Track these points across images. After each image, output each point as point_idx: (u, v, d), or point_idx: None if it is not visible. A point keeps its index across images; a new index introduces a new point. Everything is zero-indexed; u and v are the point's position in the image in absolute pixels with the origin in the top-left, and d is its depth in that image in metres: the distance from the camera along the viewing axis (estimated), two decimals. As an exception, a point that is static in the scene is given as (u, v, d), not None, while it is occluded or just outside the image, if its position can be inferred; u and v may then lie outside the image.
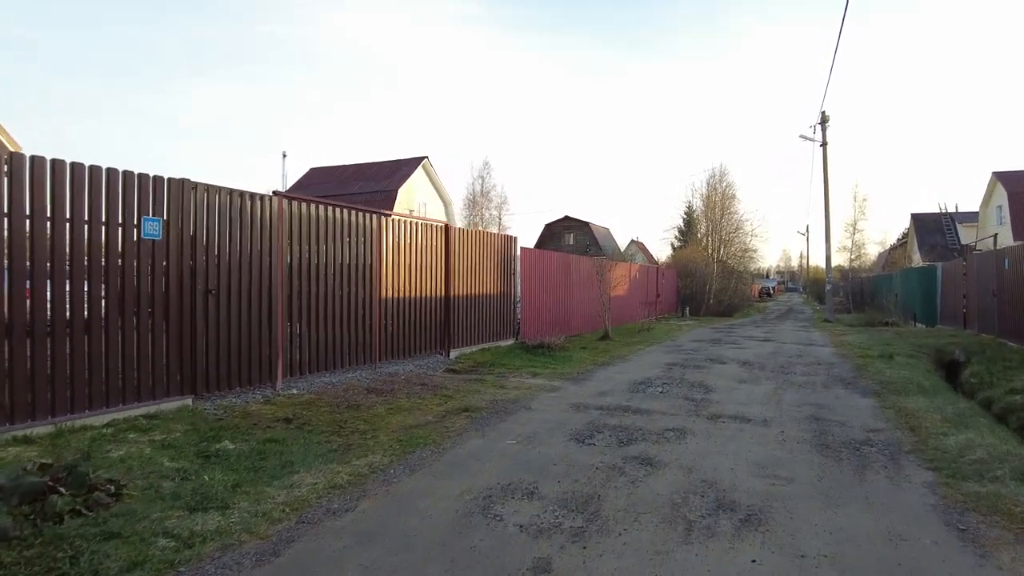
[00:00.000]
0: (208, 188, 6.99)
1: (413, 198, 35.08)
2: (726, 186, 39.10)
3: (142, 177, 6.30)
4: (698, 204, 42.14)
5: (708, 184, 39.69)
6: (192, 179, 6.82)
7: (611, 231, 63.13)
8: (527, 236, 61.17)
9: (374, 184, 34.98)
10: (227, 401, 7.09)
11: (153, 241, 6.40)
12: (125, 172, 6.15)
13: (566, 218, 57.05)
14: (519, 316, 14.26)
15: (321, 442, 5.67)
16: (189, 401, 6.71)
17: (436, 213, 37.06)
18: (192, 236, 6.80)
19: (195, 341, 6.81)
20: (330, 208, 8.72)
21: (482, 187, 49.54)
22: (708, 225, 39.84)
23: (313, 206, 8.46)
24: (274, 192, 7.87)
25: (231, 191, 7.24)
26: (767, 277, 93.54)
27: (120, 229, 6.09)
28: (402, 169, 36.52)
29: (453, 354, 11.48)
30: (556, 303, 15.88)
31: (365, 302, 9.42)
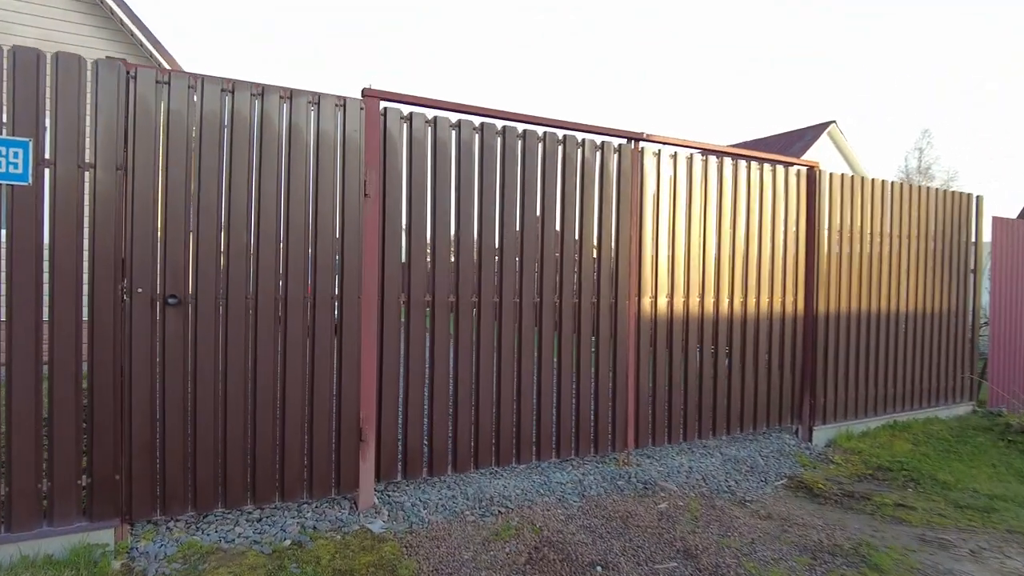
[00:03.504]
0: (172, 76, 3.19)
1: (814, 171, 27.21)
2: None
3: (-28, 44, 2.82)
4: None
5: None
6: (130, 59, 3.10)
7: None
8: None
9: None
10: (216, 534, 3.24)
11: (5, 188, 2.88)
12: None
13: (1064, 190, 39.19)
14: (983, 355, 7.21)
15: None
16: (109, 533, 3.05)
17: (848, 189, 28.22)
18: (124, 179, 3.09)
19: (122, 402, 3.10)
20: (505, 127, 4.14)
21: (919, 162, 37.80)
22: None
23: (456, 121, 4.00)
24: (365, 91, 3.68)
25: (235, 84, 3.32)
26: None
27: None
28: (803, 139, 28.95)
29: (820, 435, 5.62)
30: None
31: (599, 319, 4.55)
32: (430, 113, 3.88)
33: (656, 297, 4.79)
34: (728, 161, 5.18)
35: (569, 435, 4.43)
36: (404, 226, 3.82)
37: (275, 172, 3.40)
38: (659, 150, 4.80)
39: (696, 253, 4.99)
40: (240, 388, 3.34)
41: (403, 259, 3.84)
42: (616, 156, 4.59)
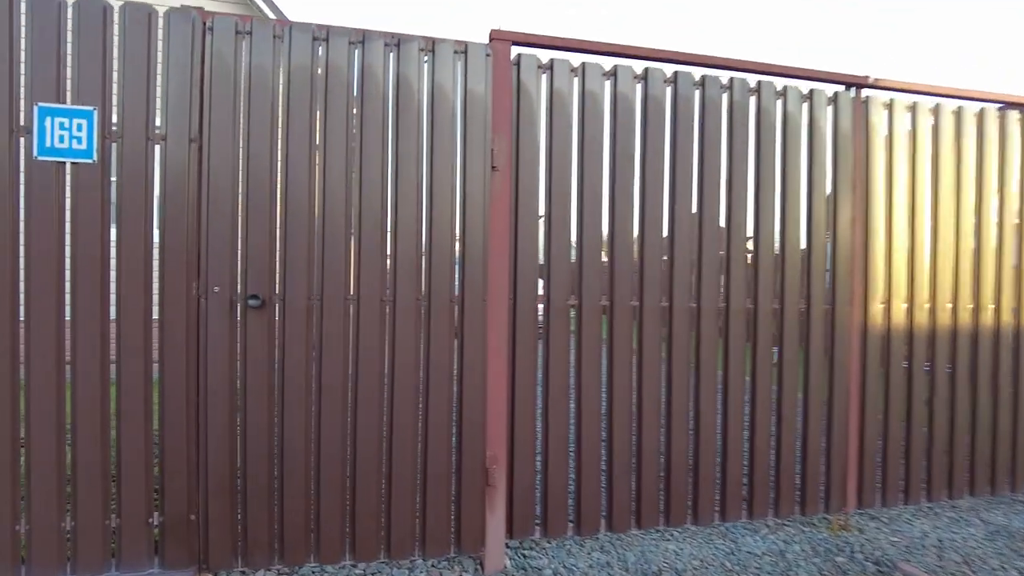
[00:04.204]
0: (255, 25, 2.58)
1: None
2: None
3: (30, -4, 2.38)
4: None
5: None
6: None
7: None
8: None
9: None
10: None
11: (69, 166, 2.41)
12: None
13: None
14: None
15: None
16: (189, 590, 2.50)
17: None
18: (198, 152, 2.52)
19: (197, 425, 2.53)
20: (677, 73, 3.10)
21: None
22: None
23: (612, 68, 3.03)
24: (494, 33, 2.85)
25: (329, 30, 2.64)
26: None
27: (-35, 136, 2.32)
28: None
29: None
30: None
31: (809, 332, 3.35)
32: (576, 59, 2.97)
33: (890, 302, 3.47)
34: (991, 112, 3.70)
35: (766, 488, 3.28)
36: (542, 208, 2.94)
37: (379, 139, 2.67)
38: (891, 100, 3.49)
39: (947, 244, 3.58)
40: (338, 414, 2.65)
41: (540, 251, 2.95)
42: (830, 109, 3.37)
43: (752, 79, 3.23)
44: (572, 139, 2.94)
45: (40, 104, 2.36)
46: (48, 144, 2.37)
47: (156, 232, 2.48)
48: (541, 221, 2.93)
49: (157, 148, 2.48)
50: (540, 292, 2.94)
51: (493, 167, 2.80)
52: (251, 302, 2.52)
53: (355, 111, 2.65)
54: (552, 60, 2.92)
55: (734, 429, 3.21)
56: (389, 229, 2.70)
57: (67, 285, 2.40)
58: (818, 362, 3.39)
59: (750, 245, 3.27)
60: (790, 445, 3.33)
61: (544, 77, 2.92)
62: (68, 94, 2.40)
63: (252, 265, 2.55)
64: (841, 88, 3.40)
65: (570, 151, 2.94)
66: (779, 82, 3.28)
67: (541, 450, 2.95)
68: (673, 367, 3.10)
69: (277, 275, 2.58)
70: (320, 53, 2.62)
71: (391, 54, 2.70)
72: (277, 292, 2.59)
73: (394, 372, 2.71)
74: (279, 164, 2.58)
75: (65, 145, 2.38)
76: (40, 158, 2.36)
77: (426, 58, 2.74)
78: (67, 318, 2.40)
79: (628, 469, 3.05)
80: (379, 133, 2.67)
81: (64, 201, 2.40)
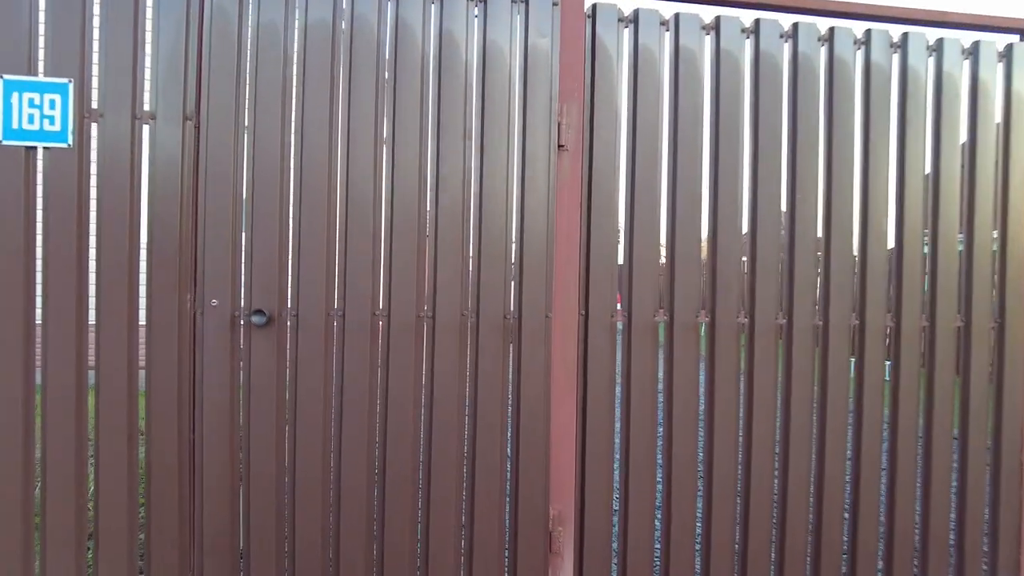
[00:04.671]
0: (273, -24, 2.07)
1: None
2: None
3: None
4: None
5: None
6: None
7: None
8: None
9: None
10: None
11: (41, 152, 1.97)
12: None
13: None
14: None
15: None
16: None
17: None
18: (195, 135, 2.04)
19: (192, 467, 2.04)
20: (797, 25, 2.41)
21: None
22: None
23: (713, 19, 2.36)
24: (559, -18, 2.26)
25: (358, -22, 2.10)
26: None
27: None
28: None
29: None
30: None
31: (969, 353, 2.58)
32: (667, 9, 2.32)
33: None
34: None
35: (908, 559, 2.53)
36: (623, 197, 2.32)
37: (416, 113, 2.13)
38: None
39: None
40: (362, 459, 2.11)
41: (620, 252, 2.34)
42: (1001, 66, 2.59)
43: (895, 31, 2.50)
44: (663, 110, 2.31)
45: (6, 77, 1.93)
46: (15, 126, 1.94)
47: (143, 231, 2.02)
48: (621, 214, 2.31)
49: (145, 129, 2.02)
50: (618, 306, 2.32)
51: (560, 145, 2.21)
52: (254, 319, 2.01)
53: (387, 78, 2.12)
54: (637, 11, 2.29)
55: (868, 480, 2.49)
56: (428, 227, 2.15)
57: (37, 300, 1.96)
58: (980, 394, 2.61)
59: (890, 245, 2.54)
60: (942, 502, 2.58)
61: (627, 32, 2.29)
62: (41, 64, 1.97)
63: (258, 273, 2.05)
64: (1016, 38, 2.61)
65: (659, 125, 2.30)
66: (931, 34, 2.53)
67: (619, 507, 2.33)
68: (792, 402, 2.41)
69: (289, 285, 2.07)
70: (344, 7, 2.09)
71: (432, 6, 2.14)
72: (289, 306, 2.07)
73: (432, 406, 2.15)
74: (292, 147, 2.07)
75: (35, 126, 1.95)
76: (6, 143, 1.93)
77: (476, 10, 2.17)
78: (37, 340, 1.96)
79: (730, 530, 2.39)
80: (416, 105, 2.12)
81: (35, 195, 1.97)
